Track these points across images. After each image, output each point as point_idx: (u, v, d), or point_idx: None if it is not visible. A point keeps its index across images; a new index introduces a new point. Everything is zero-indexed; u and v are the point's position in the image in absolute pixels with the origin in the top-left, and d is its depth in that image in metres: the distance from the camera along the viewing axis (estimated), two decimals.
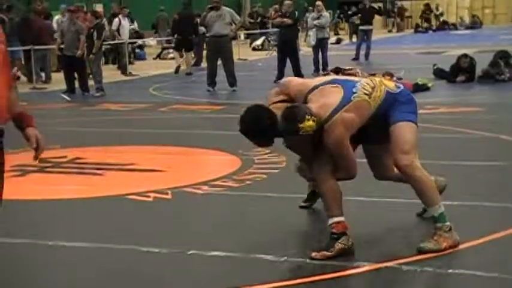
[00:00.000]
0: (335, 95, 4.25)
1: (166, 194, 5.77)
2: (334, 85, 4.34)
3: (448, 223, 4.31)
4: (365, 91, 4.29)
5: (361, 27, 20.49)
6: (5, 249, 4.65)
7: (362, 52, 20.02)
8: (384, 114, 4.36)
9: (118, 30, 18.44)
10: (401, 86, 4.56)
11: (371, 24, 20.21)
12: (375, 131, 4.43)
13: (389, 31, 38.60)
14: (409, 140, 4.35)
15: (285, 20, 15.12)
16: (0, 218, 5.37)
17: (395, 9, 40.52)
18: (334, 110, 4.17)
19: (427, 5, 41.22)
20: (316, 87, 4.35)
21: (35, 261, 4.42)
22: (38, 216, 5.49)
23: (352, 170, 4.36)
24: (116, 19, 18.72)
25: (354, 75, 13.46)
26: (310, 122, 4.08)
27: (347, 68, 12.13)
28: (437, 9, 41.57)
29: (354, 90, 4.28)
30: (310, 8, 27.57)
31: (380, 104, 4.32)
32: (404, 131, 4.35)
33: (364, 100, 4.27)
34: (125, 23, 18.91)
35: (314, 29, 16.62)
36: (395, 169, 4.55)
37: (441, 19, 40.66)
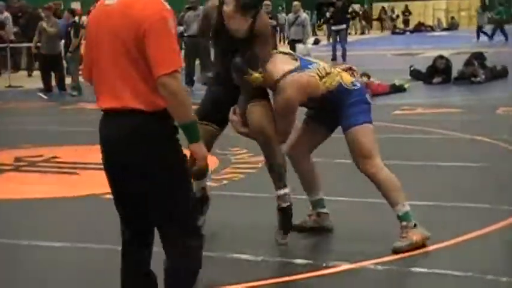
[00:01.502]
0: (291, 63, 4.44)
1: None
2: (294, 57, 4.55)
3: (413, 221, 4.36)
4: (318, 72, 4.43)
5: (333, 28, 20.52)
6: None
7: (339, 53, 20.09)
8: (334, 106, 4.45)
9: None
10: (359, 85, 4.57)
11: (342, 24, 20.11)
12: (323, 115, 4.58)
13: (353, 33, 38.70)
14: (366, 143, 4.40)
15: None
16: None
17: (360, 12, 40.55)
18: (287, 72, 4.36)
19: (383, 8, 41.75)
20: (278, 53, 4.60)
21: (10, 261, 4.38)
22: (13, 215, 5.44)
23: (285, 137, 4.51)
24: None
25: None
26: (257, 75, 4.28)
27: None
28: (392, 11, 41.95)
29: (310, 67, 4.44)
30: (280, 7, 27.45)
31: (331, 91, 4.40)
32: (360, 135, 4.41)
33: (315, 79, 4.39)
34: None
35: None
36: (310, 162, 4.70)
37: (395, 22, 41.04)
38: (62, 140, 8.48)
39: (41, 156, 7.53)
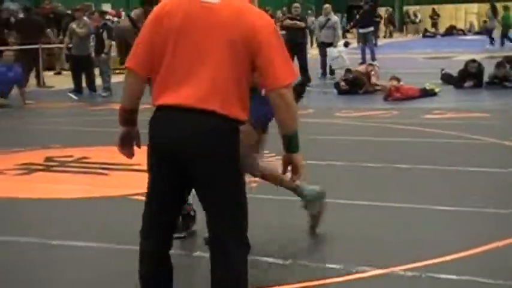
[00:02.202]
0: None
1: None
2: None
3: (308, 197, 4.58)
4: None
5: (360, 31, 20.41)
6: (9, 247, 4.65)
7: (368, 56, 19.97)
8: None
9: None
10: None
11: (370, 27, 19.95)
12: None
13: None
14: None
15: (298, 22, 15.18)
16: (6, 216, 5.40)
17: (385, 16, 40.22)
18: None
19: (406, 12, 41.50)
20: None
21: (39, 260, 4.42)
22: (43, 215, 5.49)
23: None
24: None
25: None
26: None
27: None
28: (415, 15, 41.61)
29: None
30: (310, 11, 27.34)
31: None
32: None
33: None
34: None
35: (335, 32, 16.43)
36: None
37: (418, 26, 40.71)
38: (92, 141, 8.54)
39: (71, 156, 7.59)
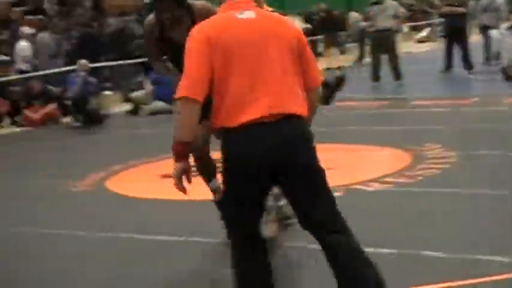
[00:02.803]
0: None
1: (339, 191, 5.58)
2: None
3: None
4: None
5: None
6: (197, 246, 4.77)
7: None
8: None
9: None
10: None
11: None
12: None
13: None
14: None
15: (457, 8, 14.63)
16: None
17: None
18: None
19: None
20: None
21: (180, 257, 4.50)
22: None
23: None
24: None
25: None
26: None
27: None
28: None
29: None
30: None
31: None
32: None
33: None
34: None
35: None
36: None
37: None
38: None
39: None
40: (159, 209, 5.83)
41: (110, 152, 8.95)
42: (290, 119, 2.93)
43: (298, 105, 2.96)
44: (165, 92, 11.28)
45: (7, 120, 12.39)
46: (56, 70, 13.59)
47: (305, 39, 3.08)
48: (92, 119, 11.67)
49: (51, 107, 12.42)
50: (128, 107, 13.21)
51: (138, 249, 4.79)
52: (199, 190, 6.27)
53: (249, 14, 2.97)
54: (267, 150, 2.89)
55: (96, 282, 4.24)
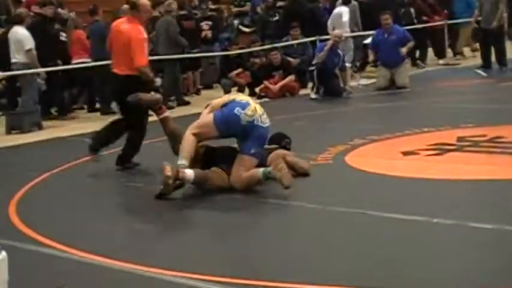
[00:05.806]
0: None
1: None
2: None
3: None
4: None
5: None
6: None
7: None
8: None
9: None
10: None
11: None
12: None
13: None
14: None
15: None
16: (419, 196, 5.09)
17: None
18: None
19: None
20: None
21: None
22: (456, 196, 5.10)
23: None
24: None
25: None
26: None
27: None
28: None
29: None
30: None
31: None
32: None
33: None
34: None
35: None
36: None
37: None
38: (504, 119, 7.92)
39: (484, 136, 7.06)
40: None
41: (349, 126, 8.68)
42: None
43: None
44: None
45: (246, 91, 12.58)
46: (296, 41, 13.53)
47: None
48: (333, 91, 11.46)
49: (290, 78, 12.42)
50: (363, 80, 12.98)
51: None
52: (453, 169, 5.84)
53: None
54: None
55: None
